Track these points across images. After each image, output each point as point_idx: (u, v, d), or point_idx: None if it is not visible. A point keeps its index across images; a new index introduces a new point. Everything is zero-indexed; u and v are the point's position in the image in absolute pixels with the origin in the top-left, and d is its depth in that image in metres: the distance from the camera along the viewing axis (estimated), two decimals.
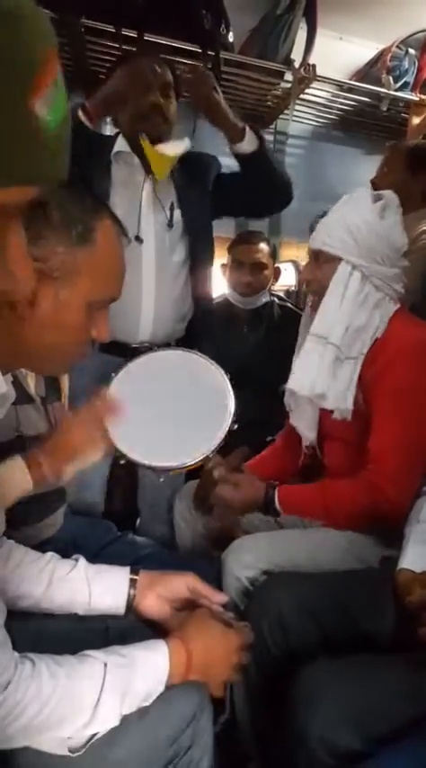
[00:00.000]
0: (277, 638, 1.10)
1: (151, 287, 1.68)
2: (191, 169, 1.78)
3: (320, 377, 1.36)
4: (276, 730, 1.00)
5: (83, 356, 0.85)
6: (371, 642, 1.06)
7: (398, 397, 1.31)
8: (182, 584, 0.98)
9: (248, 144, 1.66)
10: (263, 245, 2.27)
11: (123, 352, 1.56)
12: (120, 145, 1.72)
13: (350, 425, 1.38)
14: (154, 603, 0.98)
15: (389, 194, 1.42)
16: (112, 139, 1.75)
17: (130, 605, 0.98)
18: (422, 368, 1.30)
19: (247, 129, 1.66)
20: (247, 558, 1.28)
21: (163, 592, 0.98)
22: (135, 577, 1.00)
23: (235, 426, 1.34)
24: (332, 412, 1.40)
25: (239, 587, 1.26)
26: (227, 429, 1.24)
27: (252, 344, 2.28)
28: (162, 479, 1.28)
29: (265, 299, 2.32)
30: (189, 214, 1.73)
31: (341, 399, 1.36)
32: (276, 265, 2.37)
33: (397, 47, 2.71)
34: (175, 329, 1.76)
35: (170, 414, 1.25)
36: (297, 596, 1.13)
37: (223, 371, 1.32)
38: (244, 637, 0.93)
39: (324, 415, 1.47)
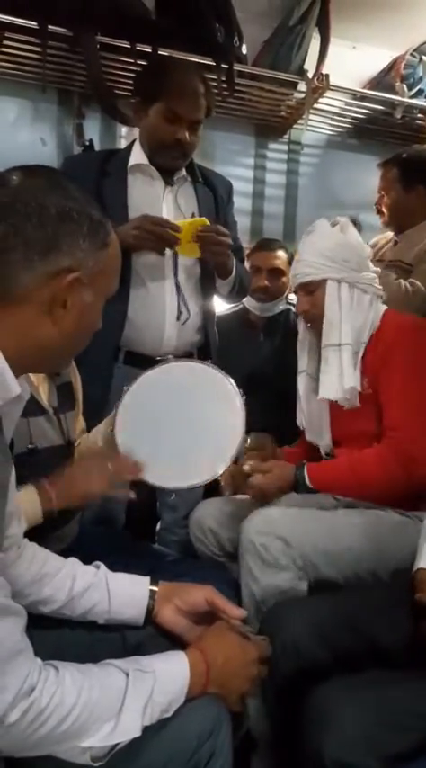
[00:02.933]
0: (290, 660, 1.09)
1: (174, 301, 1.68)
2: (211, 184, 1.80)
3: (344, 375, 1.49)
4: (291, 748, 0.99)
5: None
6: (385, 659, 1.05)
7: (407, 371, 1.44)
8: (201, 596, 0.98)
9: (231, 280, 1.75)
10: (281, 252, 2.28)
11: (147, 364, 1.57)
12: (137, 157, 1.70)
13: (361, 415, 1.50)
14: (171, 615, 0.98)
15: (343, 219, 1.60)
16: (126, 152, 1.74)
17: (149, 616, 0.98)
18: (421, 344, 1.47)
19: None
20: (260, 525, 1.33)
21: (180, 604, 0.98)
22: (154, 588, 1.00)
23: (248, 441, 1.35)
24: (342, 408, 1.52)
25: (253, 551, 1.31)
26: (237, 447, 1.24)
27: (268, 352, 2.28)
28: (172, 497, 1.28)
29: (282, 306, 2.32)
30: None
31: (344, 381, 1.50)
32: None
33: (411, 54, 2.70)
34: (195, 340, 1.77)
35: (179, 433, 1.24)
36: (310, 619, 1.12)
37: (235, 384, 1.31)
38: (262, 650, 0.93)
39: (335, 418, 1.57)
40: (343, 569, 1.33)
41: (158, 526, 1.89)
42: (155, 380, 1.33)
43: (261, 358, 2.24)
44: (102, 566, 1.02)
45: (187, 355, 1.70)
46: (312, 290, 1.55)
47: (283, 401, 1.80)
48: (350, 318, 1.51)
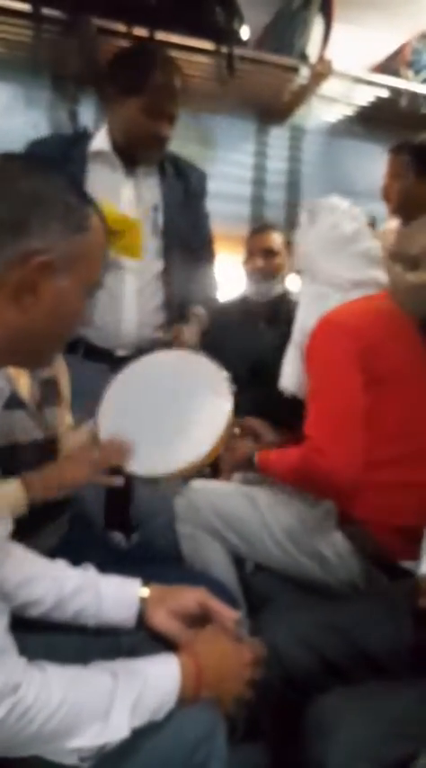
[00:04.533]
0: (275, 671, 1.08)
1: (132, 295, 1.64)
2: (184, 175, 1.75)
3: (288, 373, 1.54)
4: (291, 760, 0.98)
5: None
6: (382, 667, 1.04)
7: (315, 374, 1.40)
8: (193, 599, 0.97)
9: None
10: (275, 235, 2.28)
11: (106, 359, 1.56)
12: (100, 143, 1.65)
13: None
14: (164, 618, 0.96)
15: (318, 204, 1.57)
16: (87, 137, 1.69)
17: (141, 619, 0.97)
18: (327, 342, 1.39)
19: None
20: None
21: (173, 606, 0.97)
22: (146, 590, 0.98)
23: (237, 431, 1.32)
24: None
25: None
26: (220, 437, 1.18)
27: (270, 341, 2.25)
28: (158, 490, 1.25)
29: (280, 288, 2.30)
30: (170, 217, 1.68)
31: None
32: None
33: (417, 40, 2.66)
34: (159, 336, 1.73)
35: (163, 423, 1.20)
36: (291, 629, 1.12)
37: (225, 374, 1.27)
38: (256, 652, 0.92)
39: None
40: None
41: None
42: (140, 372, 1.29)
43: (264, 348, 2.21)
44: (91, 567, 1.01)
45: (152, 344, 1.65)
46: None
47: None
48: (303, 313, 1.52)
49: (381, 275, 1.53)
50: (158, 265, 1.67)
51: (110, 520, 1.62)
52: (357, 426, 1.32)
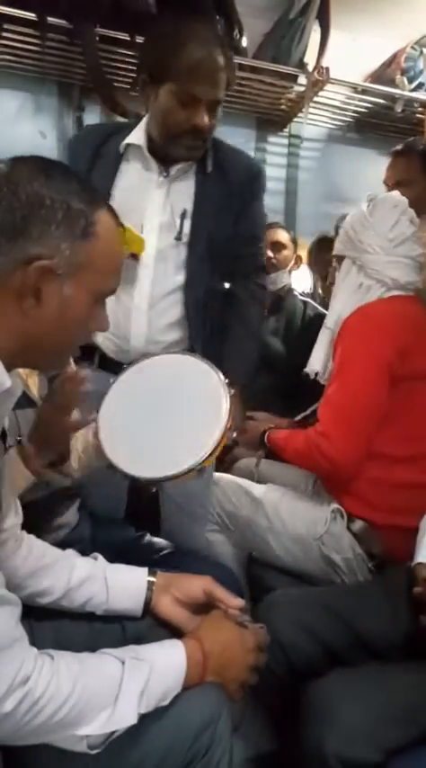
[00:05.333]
0: (278, 658, 1.10)
1: (143, 310, 1.44)
2: (227, 173, 1.46)
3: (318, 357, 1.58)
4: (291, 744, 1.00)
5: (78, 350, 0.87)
6: (379, 653, 1.06)
7: (340, 365, 1.42)
8: (198, 587, 0.99)
9: None
10: (281, 230, 2.39)
11: (118, 370, 1.36)
12: (136, 137, 1.43)
13: None
14: (170, 605, 0.98)
15: (381, 197, 1.55)
16: (126, 128, 1.48)
17: (147, 606, 0.98)
18: (362, 335, 1.41)
19: None
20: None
21: (178, 594, 0.98)
22: (152, 579, 1.00)
23: (234, 434, 1.33)
24: None
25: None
26: (218, 439, 1.15)
27: (274, 330, 2.32)
28: (154, 491, 1.24)
29: (286, 280, 2.38)
30: (199, 223, 1.42)
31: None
32: (298, 254, 2.46)
33: (411, 47, 2.69)
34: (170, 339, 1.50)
35: (159, 426, 1.18)
36: (291, 616, 1.13)
37: (221, 375, 1.23)
38: (260, 638, 0.93)
39: None
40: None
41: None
42: (141, 371, 1.27)
43: (268, 336, 2.27)
44: (100, 557, 1.02)
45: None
46: (338, 262, 1.57)
47: (294, 378, 1.80)
48: (343, 302, 1.50)
49: (420, 283, 1.55)
50: (178, 278, 1.45)
51: (137, 517, 1.59)
52: (370, 423, 1.36)
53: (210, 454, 1.13)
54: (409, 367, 1.37)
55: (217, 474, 1.64)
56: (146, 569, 1.01)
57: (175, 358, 1.32)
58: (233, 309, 1.55)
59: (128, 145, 1.44)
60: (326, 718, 0.91)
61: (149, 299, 1.43)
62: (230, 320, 1.55)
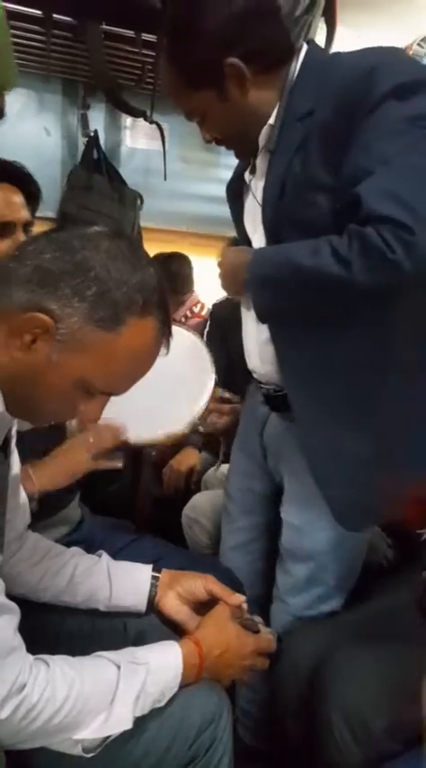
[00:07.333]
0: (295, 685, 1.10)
1: (252, 327, 1.18)
2: (299, 102, 1.03)
3: None
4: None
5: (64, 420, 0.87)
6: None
7: None
8: (200, 585, 0.99)
9: None
10: None
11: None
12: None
13: None
14: (173, 602, 0.98)
15: None
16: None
17: (151, 603, 0.99)
18: None
19: None
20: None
21: (181, 591, 0.99)
22: (156, 575, 1.00)
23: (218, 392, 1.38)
24: None
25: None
26: (203, 407, 1.29)
27: None
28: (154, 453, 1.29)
29: None
30: (271, 204, 1.05)
31: None
32: None
33: (418, 44, 2.68)
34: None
35: (151, 391, 1.21)
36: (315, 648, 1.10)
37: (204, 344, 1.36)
38: (265, 644, 0.94)
39: None
40: None
41: None
42: None
43: None
44: (104, 554, 1.03)
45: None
46: None
47: None
48: None
49: None
50: None
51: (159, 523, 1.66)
52: None
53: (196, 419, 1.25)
54: None
55: (192, 501, 1.70)
56: (149, 566, 1.02)
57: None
58: None
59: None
60: (334, 694, 0.92)
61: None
62: None
